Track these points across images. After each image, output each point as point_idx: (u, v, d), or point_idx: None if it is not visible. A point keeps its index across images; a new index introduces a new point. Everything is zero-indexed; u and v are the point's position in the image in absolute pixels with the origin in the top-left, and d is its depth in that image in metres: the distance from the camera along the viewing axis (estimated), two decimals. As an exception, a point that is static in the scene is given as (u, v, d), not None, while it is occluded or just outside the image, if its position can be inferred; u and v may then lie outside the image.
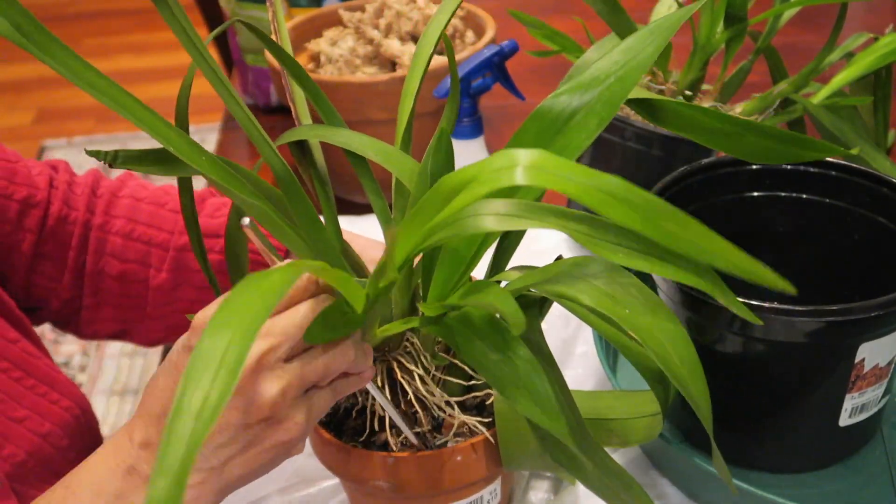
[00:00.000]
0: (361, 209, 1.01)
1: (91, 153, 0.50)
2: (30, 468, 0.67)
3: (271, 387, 0.45)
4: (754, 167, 0.71)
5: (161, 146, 0.49)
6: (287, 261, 0.49)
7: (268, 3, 0.57)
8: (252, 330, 0.34)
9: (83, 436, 0.74)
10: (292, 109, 0.59)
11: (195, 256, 0.67)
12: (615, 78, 0.48)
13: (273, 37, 0.56)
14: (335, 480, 0.68)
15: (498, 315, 0.47)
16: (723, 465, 0.51)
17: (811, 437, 0.65)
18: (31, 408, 0.69)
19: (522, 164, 0.35)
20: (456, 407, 0.55)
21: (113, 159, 0.50)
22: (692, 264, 0.40)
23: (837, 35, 0.78)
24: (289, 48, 0.57)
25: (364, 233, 0.96)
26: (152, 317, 0.79)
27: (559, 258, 0.52)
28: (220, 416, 0.45)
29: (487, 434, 0.55)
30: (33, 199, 0.74)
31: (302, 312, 0.46)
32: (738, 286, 0.58)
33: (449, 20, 0.57)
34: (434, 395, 0.55)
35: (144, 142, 2.68)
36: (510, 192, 0.49)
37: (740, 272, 0.34)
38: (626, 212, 0.34)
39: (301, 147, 0.58)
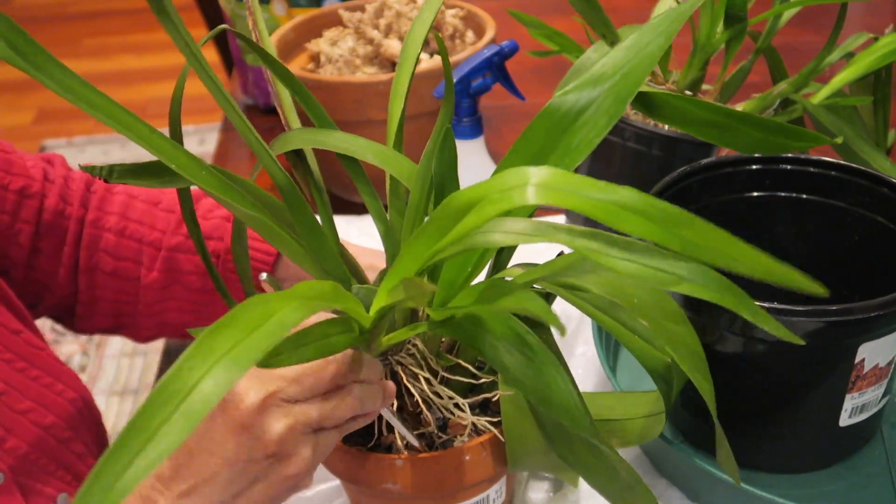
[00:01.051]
0: (360, 209, 1.01)
1: (86, 168, 0.50)
2: (33, 461, 0.67)
3: (277, 424, 0.47)
4: (754, 167, 0.71)
5: (155, 158, 0.49)
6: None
7: (246, 3, 0.57)
8: (230, 377, 0.33)
9: (88, 428, 0.74)
10: (280, 114, 0.59)
11: (203, 263, 0.68)
12: (621, 75, 0.48)
13: (253, 38, 0.56)
14: (334, 483, 0.68)
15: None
16: (729, 454, 0.51)
17: (811, 437, 0.65)
18: (35, 399, 0.68)
19: (533, 182, 0.34)
20: (467, 407, 0.55)
21: (108, 174, 0.50)
22: (708, 279, 0.38)
23: (837, 35, 0.78)
24: (271, 49, 0.57)
25: (362, 232, 0.96)
26: (144, 314, 0.79)
27: (560, 254, 0.52)
28: (227, 451, 0.47)
29: (496, 432, 0.55)
30: (29, 189, 0.74)
31: (316, 363, 0.48)
32: (740, 284, 0.58)
33: (433, 19, 0.57)
34: (441, 397, 0.54)
35: (144, 142, 2.67)
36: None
37: (768, 276, 0.32)
38: (642, 223, 0.32)
39: (296, 151, 0.58)
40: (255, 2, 0.57)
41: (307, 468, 0.49)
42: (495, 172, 0.50)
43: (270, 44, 0.57)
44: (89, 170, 0.50)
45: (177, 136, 0.52)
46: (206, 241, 0.76)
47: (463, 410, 0.55)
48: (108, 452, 0.30)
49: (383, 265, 0.59)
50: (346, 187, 1.04)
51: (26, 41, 0.42)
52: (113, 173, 0.50)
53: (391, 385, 0.53)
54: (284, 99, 0.59)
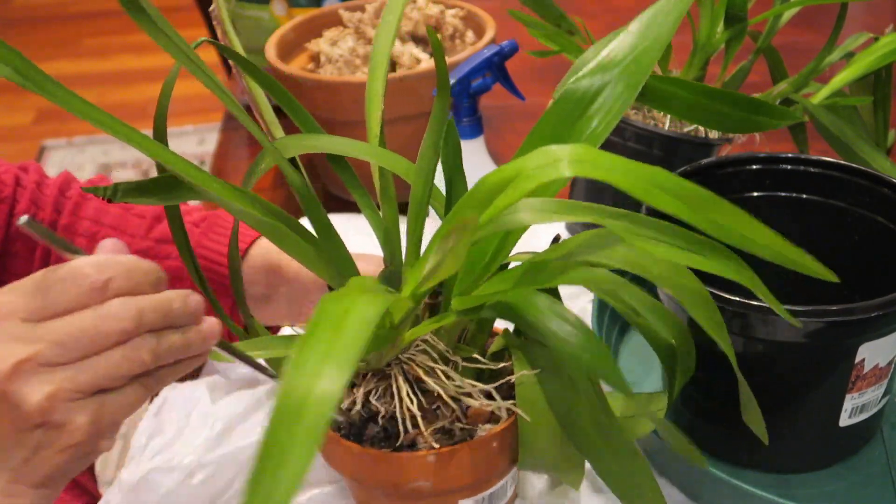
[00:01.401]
0: (357, 208, 1.01)
1: (89, 190, 0.49)
2: None
3: (35, 393, 0.43)
4: (754, 167, 0.71)
5: (155, 175, 0.50)
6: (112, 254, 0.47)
7: (213, 6, 0.57)
8: (342, 378, 0.31)
9: None
10: (262, 124, 0.59)
11: (173, 268, 0.68)
12: (631, 59, 0.49)
13: (220, 38, 0.56)
14: (334, 484, 0.68)
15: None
16: (756, 411, 0.51)
17: (811, 437, 0.65)
18: None
19: (566, 158, 0.35)
20: (495, 393, 0.54)
21: (112, 194, 0.49)
22: (733, 262, 0.40)
23: (837, 35, 0.78)
24: (238, 48, 0.57)
25: (359, 231, 0.96)
26: None
27: (557, 238, 0.52)
28: None
29: (520, 412, 0.54)
30: None
31: (87, 321, 0.44)
32: (739, 286, 0.58)
33: (397, 24, 0.57)
34: (462, 388, 0.54)
35: (144, 142, 2.67)
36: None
37: (785, 261, 0.34)
38: (672, 202, 0.34)
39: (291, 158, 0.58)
40: (221, 3, 0.56)
41: (86, 436, 0.45)
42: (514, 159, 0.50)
43: (236, 40, 0.57)
44: (92, 191, 0.48)
45: (161, 137, 0.51)
46: (171, 245, 0.76)
47: (482, 399, 0.54)
48: (255, 470, 0.28)
49: (370, 267, 0.59)
50: (345, 187, 1.04)
51: (28, 66, 0.42)
52: (117, 193, 0.49)
53: (211, 323, 0.48)
54: (263, 106, 0.59)
